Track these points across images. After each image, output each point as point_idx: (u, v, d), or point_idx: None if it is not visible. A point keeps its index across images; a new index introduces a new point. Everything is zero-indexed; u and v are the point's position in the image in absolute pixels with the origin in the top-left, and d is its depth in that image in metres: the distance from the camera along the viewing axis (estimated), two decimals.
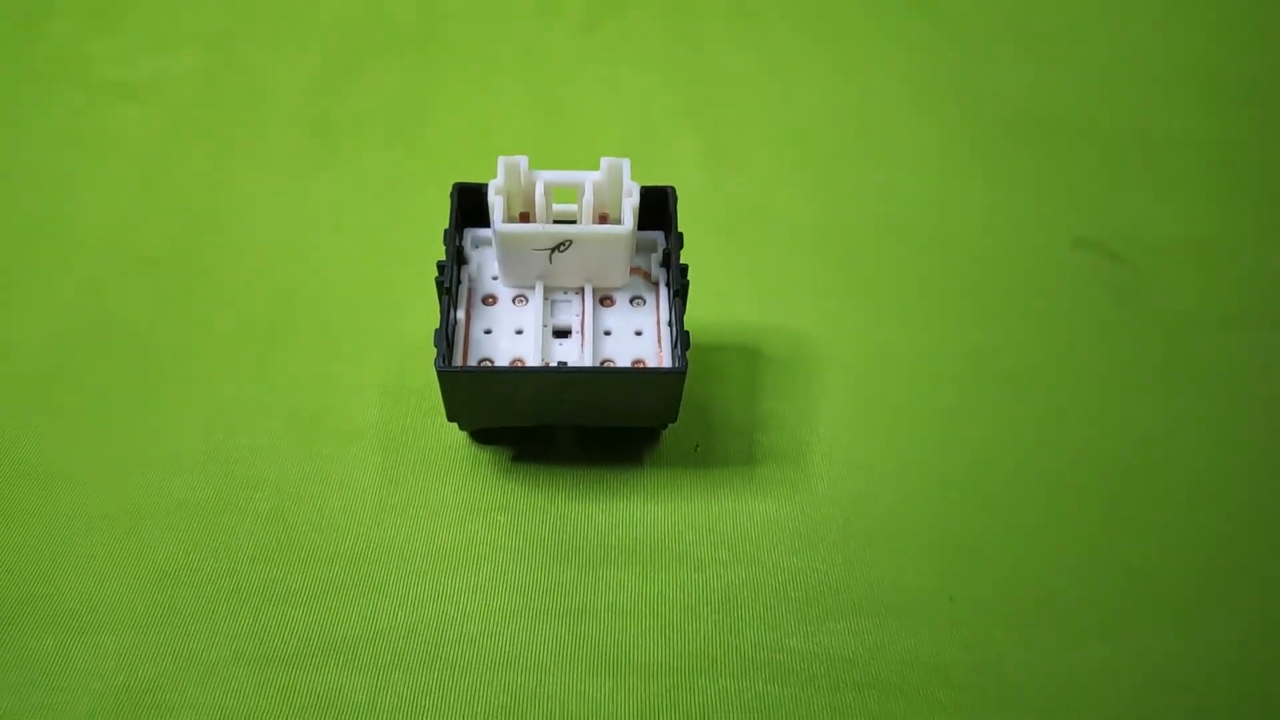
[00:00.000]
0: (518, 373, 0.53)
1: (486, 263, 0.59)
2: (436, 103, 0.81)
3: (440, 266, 0.56)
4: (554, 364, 0.55)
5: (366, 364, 0.64)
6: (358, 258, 0.70)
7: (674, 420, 0.57)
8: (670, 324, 0.57)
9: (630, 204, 0.56)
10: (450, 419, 0.56)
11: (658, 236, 0.60)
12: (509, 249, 0.56)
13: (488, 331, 0.57)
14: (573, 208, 0.58)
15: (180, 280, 0.68)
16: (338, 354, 0.65)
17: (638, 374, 0.54)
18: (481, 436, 0.61)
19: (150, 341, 0.64)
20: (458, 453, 0.60)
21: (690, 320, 0.59)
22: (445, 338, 0.53)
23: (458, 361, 0.55)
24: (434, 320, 0.59)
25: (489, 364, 0.55)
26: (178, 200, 0.73)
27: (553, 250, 0.56)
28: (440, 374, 0.52)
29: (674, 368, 0.54)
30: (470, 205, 0.59)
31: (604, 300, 0.59)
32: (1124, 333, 0.68)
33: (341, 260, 0.70)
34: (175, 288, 0.67)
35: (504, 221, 0.55)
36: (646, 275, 0.60)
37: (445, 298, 0.55)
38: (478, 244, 0.60)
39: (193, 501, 0.57)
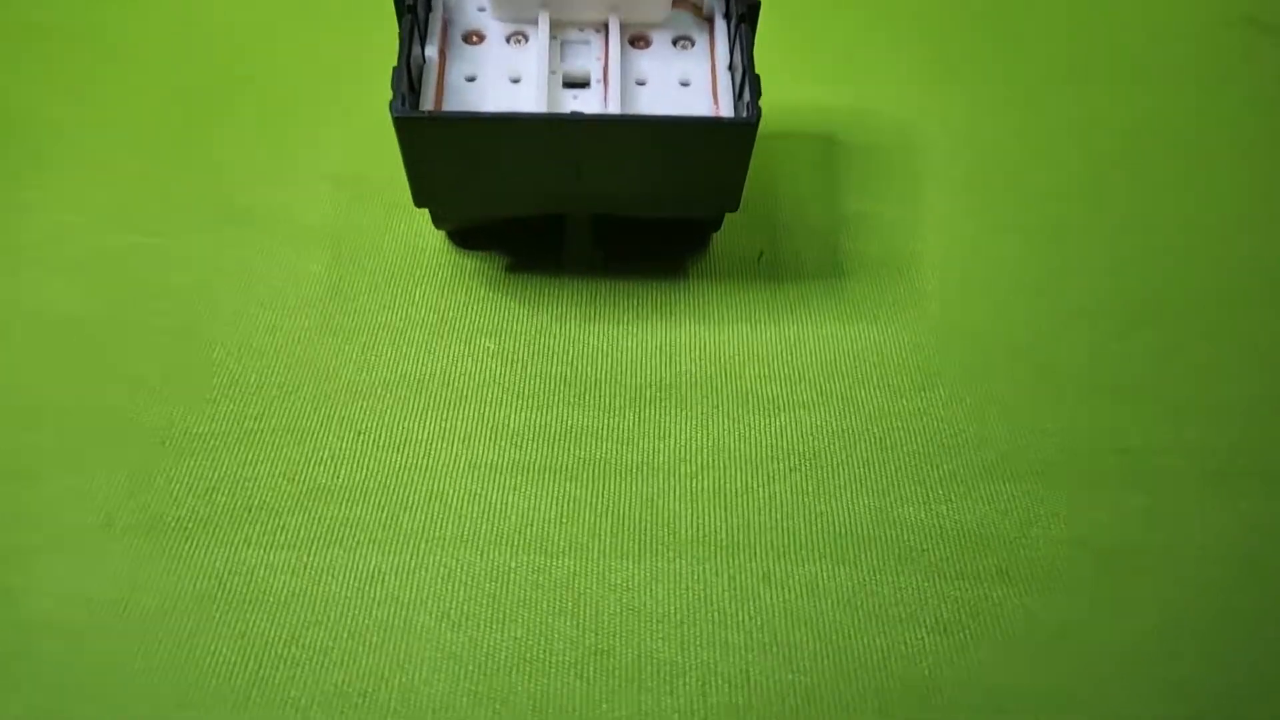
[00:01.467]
0: (511, 122, 0.36)
1: None
2: None
3: None
4: (564, 109, 0.38)
5: (319, 149, 0.48)
6: (313, 13, 0.53)
7: (734, 208, 0.40)
8: (732, 67, 0.40)
9: None
10: (419, 203, 0.40)
11: None
12: None
13: (471, 79, 0.40)
14: None
15: (80, 50, 0.51)
16: (282, 136, 0.48)
17: (688, 125, 0.37)
18: (465, 239, 0.44)
19: (33, 120, 0.48)
20: (432, 260, 0.43)
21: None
22: (406, 75, 0.37)
23: (428, 108, 0.38)
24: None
25: None
26: None
27: None
28: (398, 122, 0.36)
29: (741, 118, 0.37)
30: None
31: (635, 40, 0.41)
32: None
33: (292, 17, 0.53)
34: (73, 58, 0.50)
35: None
36: (696, 7, 0.42)
37: (407, 20, 0.38)
38: None
39: (74, 317, 0.41)
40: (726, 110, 0.39)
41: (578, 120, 0.36)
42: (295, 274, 0.43)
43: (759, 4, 0.39)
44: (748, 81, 0.37)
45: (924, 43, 0.54)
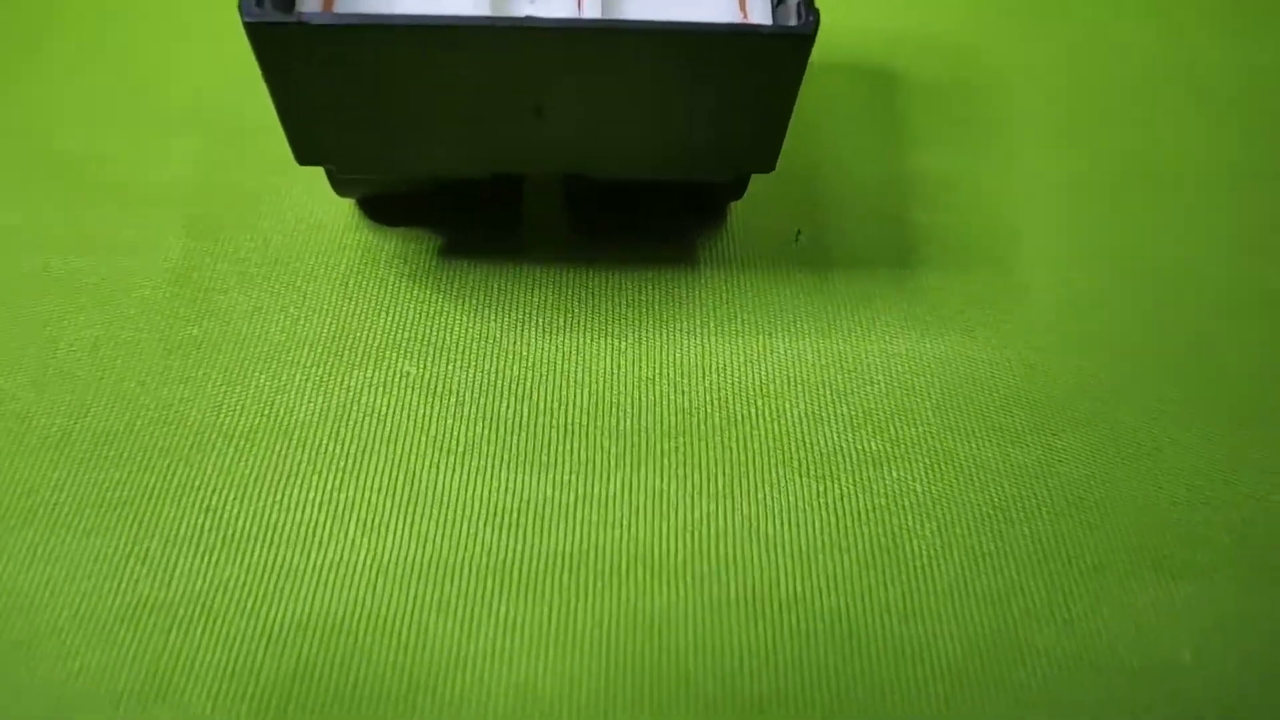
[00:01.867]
0: (435, 31, 0.23)
1: None
2: None
3: None
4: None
5: (173, 76, 0.34)
6: None
7: (769, 167, 0.27)
8: None
9: None
10: (302, 160, 0.26)
11: None
12: None
13: None
14: None
15: None
16: (120, 55, 0.34)
17: (707, 37, 0.24)
18: (379, 210, 0.31)
19: None
20: (330, 242, 0.30)
21: None
22: None
23: (308, 9, 0.25)
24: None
25: None
26: None
27: None
28: (252, 31, 0.22)
29: (789, 26, 0.24)
30: None
31: None
32: None
33: None
34: None
35: None
36: None
37: None
38: None
39: None
40: (761, 17, 0.26)
41: (537, 28, 0.23)
42: (130, 258, 0.29)
43: None
44: None
45: None
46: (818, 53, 0.36)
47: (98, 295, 0.29)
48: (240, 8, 0.22)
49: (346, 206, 0.31)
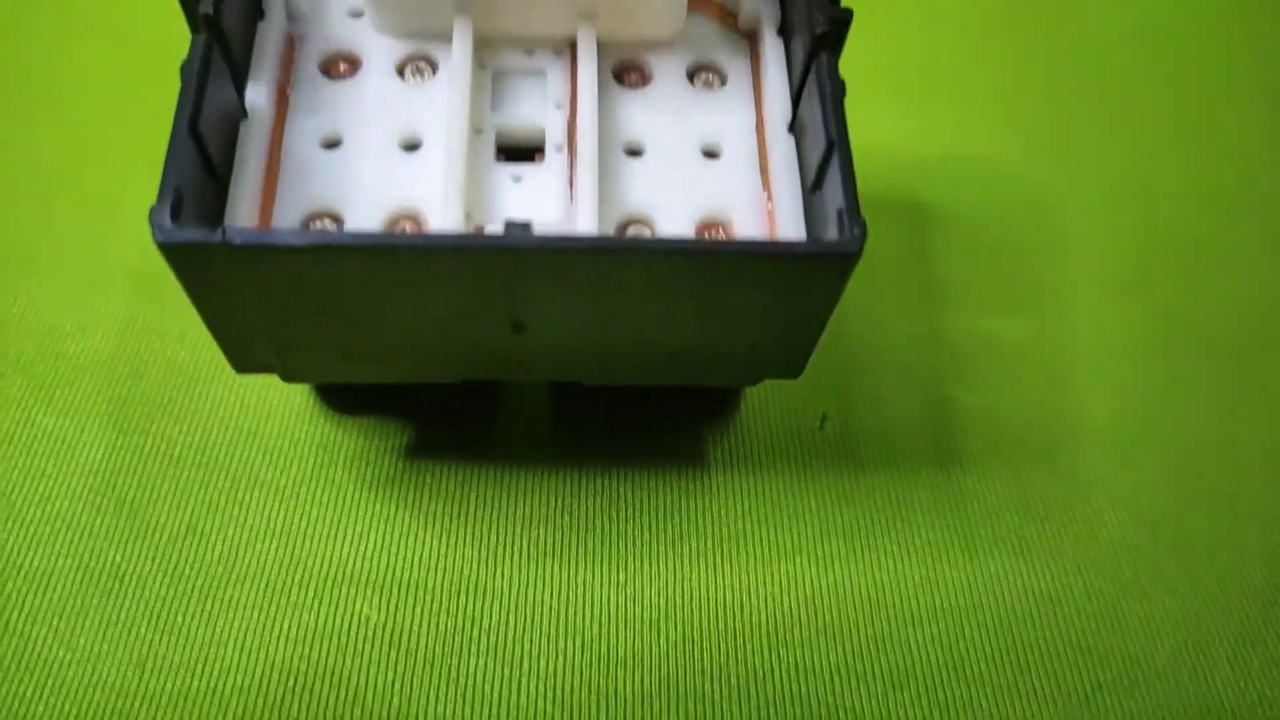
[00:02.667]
0: (388, 252, 0.19)
1: None
2: None
3: None
4: (497, 229, 0.21)
5: (104, 226, 0.30)
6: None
7: (795, 374, 0.23)
8: (798, 126, 0.22)
9: None
10: (241, 370, 0.22)
11: None
12: None
13: (332, 144, 0.22)
14: None
15: None
16: (41, 197, 0.30)
17: (729, 259, 0.19)
18: (340, 396, 0.27)
19: None
20: (280, 432, 0.26)
21: None
22: (191, 149, 0.19)
23: (242, 217, 0.20)
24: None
25: (326, 224, 0.21)
26: None
27: None
28: (166, 251, 0.18)
29: (830, 244, 0.19)
30: None
31: (625, 72, 0.24)
32: None
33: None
34: None
35: None
36: (725, 12, 0.25)
37: (202, 42, 0.20)
38: None
39: None
40: (787, 203, 0.22)
41: (517, 249, 0.19)
42: (46, 459, 0.25)
43: (849, 16, 0.21)
44: (836, 164, 0.20)
45: (1050, 65, 0.36)
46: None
47: (3, 509, 0.24)
48: (151, 225, 0.18)
49: (299, 390, 0.27)
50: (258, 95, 0.22)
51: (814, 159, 0.21)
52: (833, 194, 0.20)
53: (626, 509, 0.25)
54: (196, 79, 0.19)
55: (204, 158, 0.20)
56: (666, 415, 0.27)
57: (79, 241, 0.29)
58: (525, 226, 0.19)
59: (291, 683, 0.22)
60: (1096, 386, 0.29)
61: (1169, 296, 0.31)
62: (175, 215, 0.18)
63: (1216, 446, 0.28)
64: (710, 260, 0.19)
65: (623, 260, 0.19)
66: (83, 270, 0.29)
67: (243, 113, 0.21)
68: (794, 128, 0.23)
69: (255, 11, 0.23)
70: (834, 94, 0.21)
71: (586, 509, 0.25)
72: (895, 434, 0.27)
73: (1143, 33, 0.37)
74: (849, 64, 0.30)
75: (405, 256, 0.19)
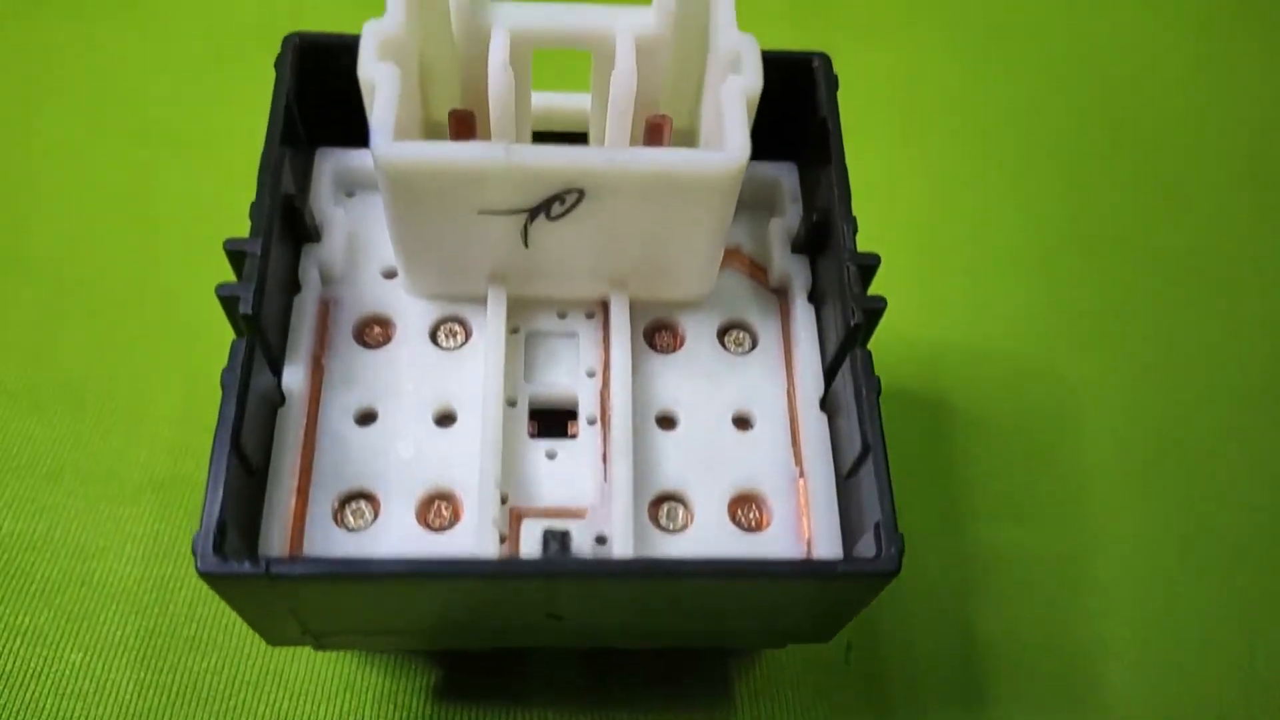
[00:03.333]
0: (430, 576, 0.19)
1: (370, 236, 0.24)
2: None
3: (234, 254, 0.21)
4: (531, 530, 0.21)
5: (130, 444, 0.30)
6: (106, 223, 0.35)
7: (826, 640, 0.23)
8: (830, 404, 0.23)
9: (739, 93, 0.21)
10: (274, 643, 0.22)
11: (782, 174, 0.25)
12: (419, 209, 0.21)
13: (366, 417, 0.22)
14: (579, 102, 0.24)
15: None
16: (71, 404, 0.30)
17: (776, 576, 0.19)
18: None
19: None
20: (309, 675, 0.26)
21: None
22: (235, 467, 0.19)
23: (275, 544, 0.21)
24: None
25: (366, 508, 0.21)
26: None
27: (531, 215, 0.21)
28: (206, 578, 0.18)
29: (872, 562, 0.19)
30: (324, 91, 0.23)
31: (656, 331, 0.24)
32: None
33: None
34: None
35: (394, 139, 0.20)
36: (759, 272, 0.25)
37: (243, 347, 0.20)
38: (348, 188, 0.25)
39: None
40: (820, 483, 0.22)
41: (553, 573, 0.19)
42: (75, 699, 0.25)
43: (883, 305, 0.22)
44: (872, 470, 0.20)
45: (1072, 249, 0.37)
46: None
47: None
48: (194, 554, 0.18)
49: None
50: (294, 376, 0.22)
51: (848, 451, 0.21)
52: (869, 498, 0.20)
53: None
54: (238, 392, 0.19)
55: (244, 464, 0.20)
56: (691, 653, 0.27)
57: (104, 453, 0.30)
58: (563, 539, 0.19)
59: None
60: (1118, 603, 0.29)
61: (1203, 498, 0.31)
62: (218, 546, 0.18)
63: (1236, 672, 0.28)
64: (747, 579, 0.19)
65: (659, 581, 0.19)
66: (108, 483, 0.29)
67: (280, 398, 0.22)
68: (825, 404, 0.23)
69: (291, 287, 0.23)
70: (869, 393, 0.21)
71: None
72: (922, 669, 0.27)
73: (1166, 218, 0.37)
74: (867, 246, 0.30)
75: (440, 581, 0.19)
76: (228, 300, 0.20)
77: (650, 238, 0.22)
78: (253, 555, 0.20)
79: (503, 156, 0.20)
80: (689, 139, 0.25)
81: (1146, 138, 0.39)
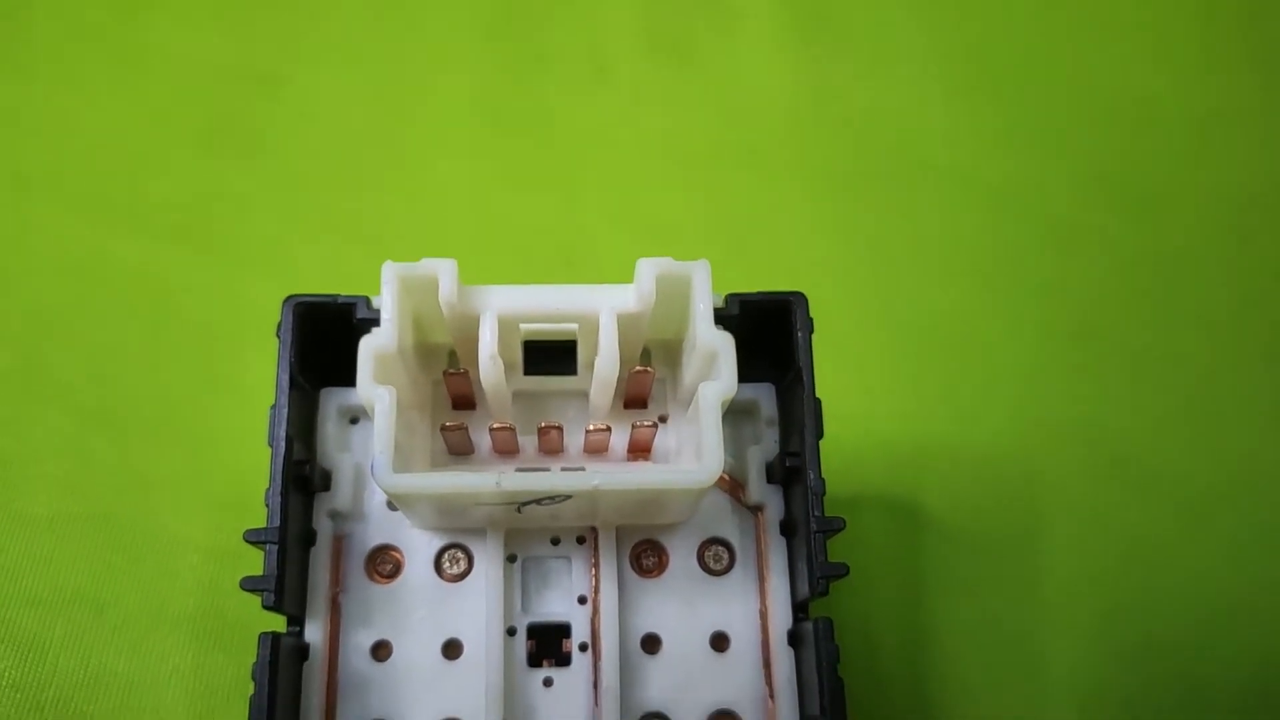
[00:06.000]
0: None
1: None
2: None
3: (255, 541, 0.23)
4: None
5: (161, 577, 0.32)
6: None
7: None
8: (800, 637, 0.25)
9: (714, 396, 0.22)
10: None
11: (759, 396, 0.27)
12: (420, 508, 0.23)
13: (379, 652, 0.25)
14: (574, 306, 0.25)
15: None
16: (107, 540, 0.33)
17: None
18: None
19: None
20: None
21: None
22: None
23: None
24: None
25: None
26: None
27: (524, 505, 0.23)
28: None
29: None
30: (325, 338, 0.25)
31: (642, 554, 0.26)
32: None
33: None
34: None
35: (393, 464, 0.21)
36: (735, 489, 0.27)
37: (268, 643, 0.22)
38: (352, 416, 0.27)
39: None
40: (786, 706, 0.25)
41: None
42: None
43: (843, 570, 0.24)
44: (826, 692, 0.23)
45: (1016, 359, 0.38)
46: (847, 485, 0.34)
47: None
48: None
49: None
50: (315, 631, 0.24)
51: (811, 700, 0.24)
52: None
53: None
54: (268, 688, 0.22)
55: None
56: None
57: (140, 584, 0.32)
58: None
59: None
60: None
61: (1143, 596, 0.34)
62: None
63: None
64: None
65: None
66: (148, 615, 0.32)
67: (304, 655, 0.24)
68: (793, 639, 0.25)
69: (307, 537, 0.25)
70: (830, 660, 0.23)
71: None
72: None
73: (1135, 307, 0.38)
74: (845, 351, 0.32)
75: None
76: (253, 590, 0.22)
77: (633, 508, 0.24)
78: None
79: (494, 486, 0.21)
80: (672, 352, 0.26)
81: (1123, 242, 0.40)
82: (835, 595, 0.32)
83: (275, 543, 0.23)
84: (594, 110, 0.41)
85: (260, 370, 0.33)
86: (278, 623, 0.24)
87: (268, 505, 0.23)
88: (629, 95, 0.41)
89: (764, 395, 0.27)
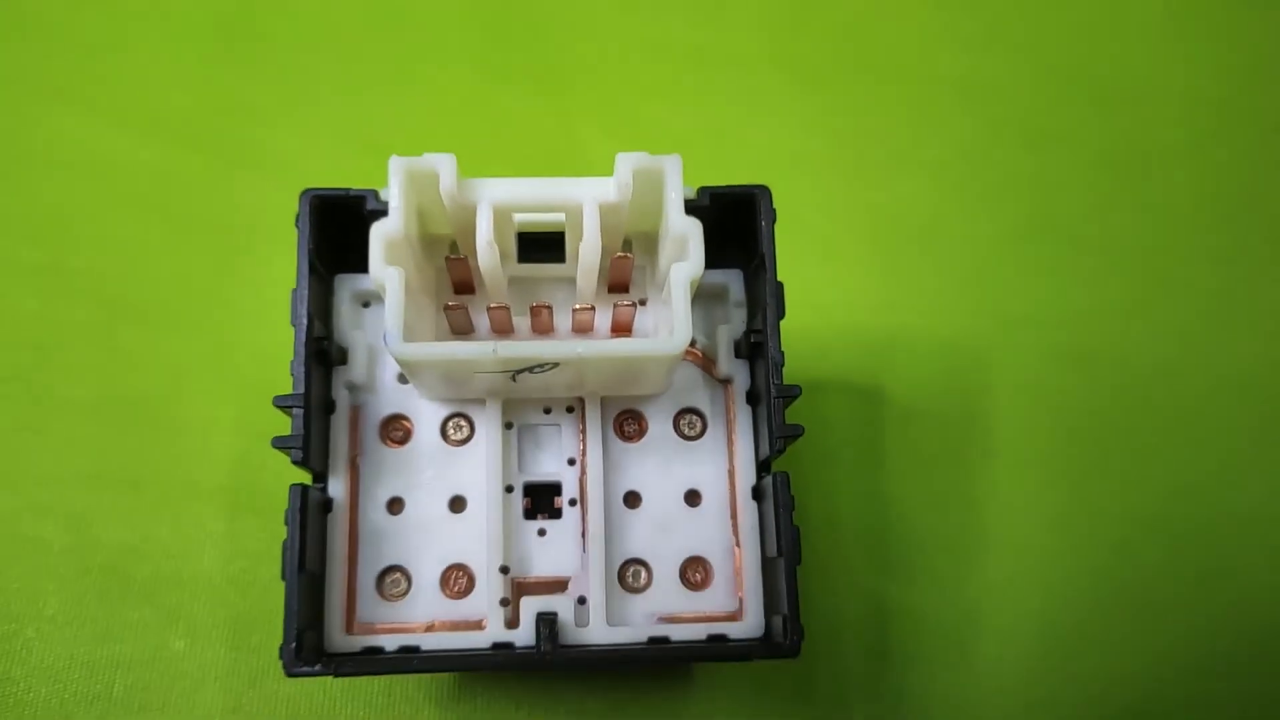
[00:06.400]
0: (452, 665, 0.26)
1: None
2: None
3: (283, 406, 0.26)
4: (529, 608, 0.27)
5: (199, 449, 0.36)
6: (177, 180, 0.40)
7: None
8: (763, 492, 0.28)
9: (684, 275, 0.25)
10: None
11: (730, 280, 0.30)
12: (426, 374, 0.27)
13: (394, 506, 0.28)
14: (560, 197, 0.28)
15: None
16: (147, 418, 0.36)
17: (694, 652, 0.27)
18: None
19: None
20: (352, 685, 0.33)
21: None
22: (297, 582, 0.25)
23: (333, 620, 0.27)
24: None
25: (398, 579, 0.28)
26: None
27: (518, 373, 0.26)
28: (290, 677, 0.25)
29: (772, 640, 0.26)
30: (338, 232, 0.28)
31: (624, 421, 0.30)
32: None
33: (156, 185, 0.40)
34: None
35: (403, 333, 0.25)
36: (708, 364, 0.30)
37: (298, 493, 0.26)
38: (366, 300, 0.30)
39: None
40: (750, 556, 0.28)
41: (550, 664, 0.26)
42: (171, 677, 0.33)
43: (800, 431, 0.27)
44: (783, 572, 0.26)
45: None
46: (815, 370, 0.38)
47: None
48: (281, 660, 0.25)
49: None
50: (337, 486, 0.28)
51: (770, 541, 0.27)
52: (781, 590, 0.26)
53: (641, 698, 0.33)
54: (300, 531, 0.25)
55: (309, 577, 0.26)
56: None
57: (176, 463, 0.36)
58: (551, 624, 0.26)
59: None
60: (1012, 586, 0.36)
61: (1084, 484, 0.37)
62: (298, 652, 0.25)
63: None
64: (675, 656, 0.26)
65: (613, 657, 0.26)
66: (184, 490, 0.35)
67: (329, 505, 0.28)
68: (756, 494, 0.29)
69: (327, 405, 0.28)
70: (786, 508, 0.27)
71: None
72: (842, 635, 0.34)
73: (1090, 202, 0.41)
74: (815, 243, 0.36)
75: (464, 665, 0.26)
76: (288, 451, 0.26)
77: (614, 378, 0.27)
78: (319, 651, 0.26)
79: (491, 352, 0.25)
80: (650, 242, 0.29)
81: (1084, 140, 0.42)
82: (800, 468, 0.36)
83: (300, 406, 0.26)
84: (583, 13, 0.43)
85: (277, 264, 0.36)
86: (305, 480, 0.27)
87: (293, 375, 0.26)
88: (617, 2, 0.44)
89: (733, 280, 0.30)
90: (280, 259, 0.32)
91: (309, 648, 0.26)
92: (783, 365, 0.27)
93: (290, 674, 0.25)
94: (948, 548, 0.36)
